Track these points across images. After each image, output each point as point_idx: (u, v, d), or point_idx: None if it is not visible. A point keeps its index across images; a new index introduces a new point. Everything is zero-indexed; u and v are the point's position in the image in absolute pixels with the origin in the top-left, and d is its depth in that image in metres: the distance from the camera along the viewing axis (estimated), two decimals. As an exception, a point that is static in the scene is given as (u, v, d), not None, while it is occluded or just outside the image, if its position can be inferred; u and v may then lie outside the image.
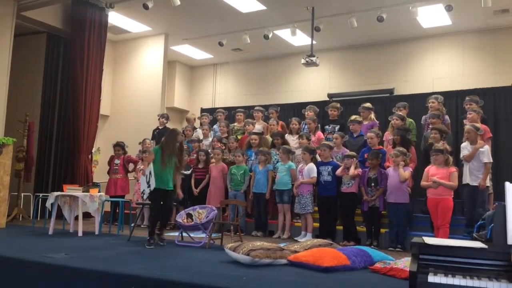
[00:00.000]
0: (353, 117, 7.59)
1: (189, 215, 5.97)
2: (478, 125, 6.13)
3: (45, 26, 9.79)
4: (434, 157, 5.85)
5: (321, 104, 9.13)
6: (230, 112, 9.35)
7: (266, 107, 9.08)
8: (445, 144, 6.11)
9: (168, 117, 9.67)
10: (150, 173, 5.38)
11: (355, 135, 7.44)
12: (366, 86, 10.80)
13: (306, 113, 8.11)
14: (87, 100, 9.45)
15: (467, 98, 7.02)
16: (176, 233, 6.28)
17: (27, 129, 8.63)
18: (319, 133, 7.80)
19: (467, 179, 5.98)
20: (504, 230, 2.23)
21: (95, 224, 6.66)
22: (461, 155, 6.14)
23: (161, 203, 5.61)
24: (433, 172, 5.81)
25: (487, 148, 5.96)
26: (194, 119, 9.95)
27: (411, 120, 7.43)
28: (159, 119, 9.50)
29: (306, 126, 7.98)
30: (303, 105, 8.85)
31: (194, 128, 9.40)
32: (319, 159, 7.04)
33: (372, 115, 7.75)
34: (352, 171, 6.42)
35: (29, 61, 9.95)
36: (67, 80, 9.79)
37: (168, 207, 5.83)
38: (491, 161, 5.97)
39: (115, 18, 10.20)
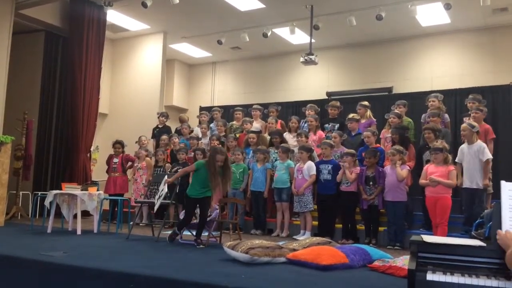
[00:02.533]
0: (350, 115, 7.59)
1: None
2: (474, 123, 6.13)
3: (43, 24, 9.77)
4: (433, 156, 5.84)
5: (320, 103, 9.11)
6: (229, 111, 9.32)
7: (265, 105, 9.07)
8: (444, 142, 6.11)
9: (168, 116, 9.67)
10: (163, 189, 5.67)
11: (353, 134, 7.45)
12: (365, 84, 10.80)
13: (307, 112, 8.09)
14: (86, 99, 9.44)
15: (470, 96, 6.98)
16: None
17: (26, 127, 8.62)
18: (320, 132, 7.77)
19: (466, 182, 5.94)
20: (500, 229, 2.23)
21: (94, 222, 6.65)
22: (457, 158, 6.12)
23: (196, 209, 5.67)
24: (432, 170, 5.81)
25: (484, 146, 5.94)
26: (188, 118, 9.96)
27: (409, 120, 7.41)
28: (158, 117, 9.50)
29: (305, 125, 7.97)
30: (302, 103, 8.84)
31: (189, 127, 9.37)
32: (316, 158, 7.03)
33: (369, 113, 7.74)
34: (348, 175, 6.42)
35: (27, 59, 9.90)
36: (65, 78, 9.77)
37: (204, 214, 5.66)
38: (489, 157, 5.92)
39: (113, 16, 10.19)
